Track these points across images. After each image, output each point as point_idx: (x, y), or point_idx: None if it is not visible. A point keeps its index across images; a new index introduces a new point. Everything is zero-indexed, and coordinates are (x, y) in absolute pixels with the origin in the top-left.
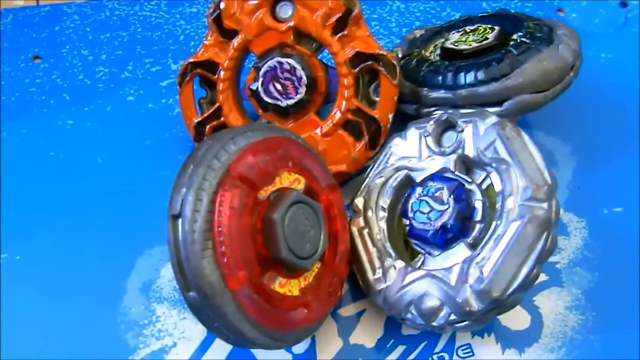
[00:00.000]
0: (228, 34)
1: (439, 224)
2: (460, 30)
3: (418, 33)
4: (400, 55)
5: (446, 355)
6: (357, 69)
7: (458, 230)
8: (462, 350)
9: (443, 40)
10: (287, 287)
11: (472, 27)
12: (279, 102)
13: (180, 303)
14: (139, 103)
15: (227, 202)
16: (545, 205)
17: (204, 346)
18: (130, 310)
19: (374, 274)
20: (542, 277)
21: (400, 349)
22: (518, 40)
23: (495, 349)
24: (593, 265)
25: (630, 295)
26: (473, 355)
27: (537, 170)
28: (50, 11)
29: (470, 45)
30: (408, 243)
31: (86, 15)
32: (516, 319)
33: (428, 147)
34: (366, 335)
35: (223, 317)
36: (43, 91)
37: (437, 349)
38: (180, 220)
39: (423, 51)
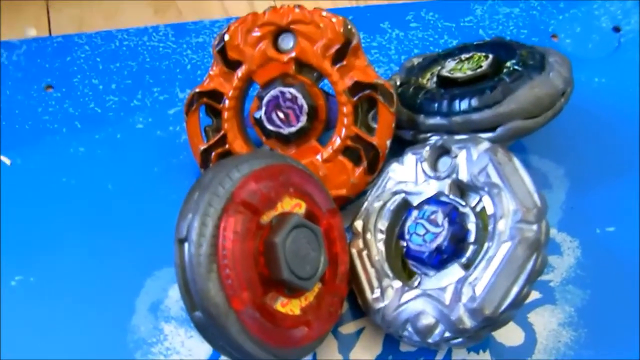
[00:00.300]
0: (232, 65)
1: (434, 245)
2: (456, 58)
3: (416, 61)
4: (398, 83)
5: None
6: (356, 97)
7: (452, 251)
8: None
9: (439, 68)
10: (289, 306)
11: (467, 56)
12: (281, 130)
13: (187, 322)
14: (147, 131)
15: (230, 227)
16: (535, 227)
17: None
18: (139, 329)
19: (372, 293)
20: (536, 295)
21: None
22: (511, 68)
23: None
24: (585, 283)
25: (622, 312)
26: None
27: (527, 194)
28: (62, 42)
29: (465, 73)
30: (405, 264)
31: (97, 45)
32: (510, 335)
33: (424, 172)
34: (366, 352)
35: (227, 336)
36: (55, 119)
37: None
38: (186, 244)
39: (420, 79)
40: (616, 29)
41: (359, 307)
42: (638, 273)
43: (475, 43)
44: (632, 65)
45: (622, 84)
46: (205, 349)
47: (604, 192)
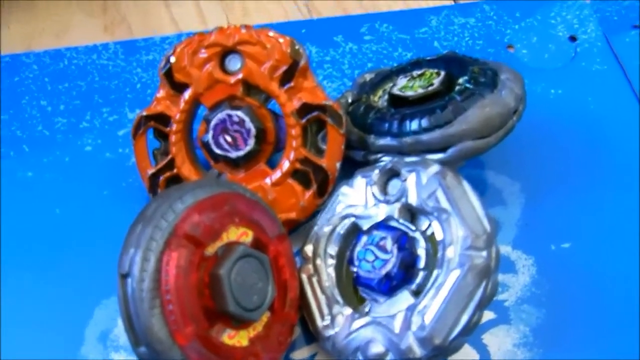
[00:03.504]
0: (179, 87)
1: (383, 272)
2: (407, 75)
3: (368, 77)
4: (350, 100)
5: None
6: (305, 119)
7: (402, 277)
8: None
9: (391, 85)
10: (236, 338)
11: (419, 72)
12: (228, 154)
13: None
14: (96, 153)
15: (173, 262)
16: (484, 253)
17: None
18: (88, 359)
19: (322, 320)
20: (490, 316)
21: None
22: (462, 86)
23: None
24: (541, 302)
25: (577, 331)
26: None
27: (476, 219)
28: (10, 62)
29: (416, 91)
30: (357, 288)
31: (45, 65)
32: (464, 357)
33: (374, 195)
34: None
35: None
36: (3, 143)
37: None
38: (129, 280)
39: (372, 96)
40: (572, 38)
41: (312, 332)
42: (593, 290)
43: (428, 58)
44: (588, 75)
45: (578, 95)
46: None
47: (559, 208)
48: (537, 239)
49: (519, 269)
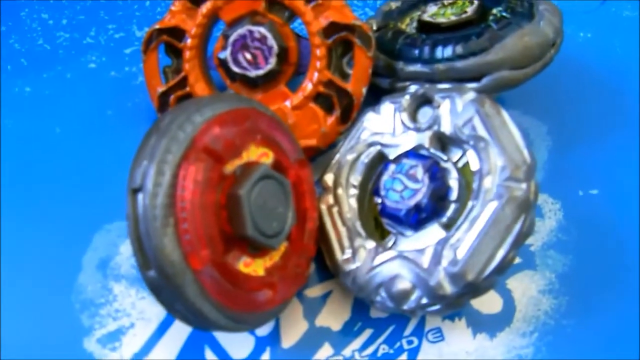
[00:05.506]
0: (197, 0)
1: (412, 202)
2: (438, 2)
3: (394, 5)
4: (375, 28)
5: (415, 340)
6: (331, 39)
7: (432, 210)
8: (432, 334)
9: (420, 12)
10: (252, 266)
11: (450, 0)
12: (247, 73)
13: (138, 282)
14: (101, 71)
15: (191, 176)
16: (524, 185)
17: (163, 327)
18: (86, 288)
19: (343, 254)
20: (516, 260)
21: (367, 332)
22: (498, 15)
23: (465, 333)
24: (567, 248)
25: (604, 280)
26: (443, 339)
27: (516, 149)
28: None
29: (448, 18)
30: (378, 222)
31: None
32: (488, 302)
33: (402, 122)
34: (333, 318)
35: (184, 298)
36: (1, 56)
37: (406, 333)
38: (140, 195)
39: (399, 23)
40: None
41: (327, 269)
42: (620, 239)
43: None
44: (618, 21)
45: (607, 39)
46: (158, 311)
47: (587, 153)
48: (564, 184)
49: (546, 213)
